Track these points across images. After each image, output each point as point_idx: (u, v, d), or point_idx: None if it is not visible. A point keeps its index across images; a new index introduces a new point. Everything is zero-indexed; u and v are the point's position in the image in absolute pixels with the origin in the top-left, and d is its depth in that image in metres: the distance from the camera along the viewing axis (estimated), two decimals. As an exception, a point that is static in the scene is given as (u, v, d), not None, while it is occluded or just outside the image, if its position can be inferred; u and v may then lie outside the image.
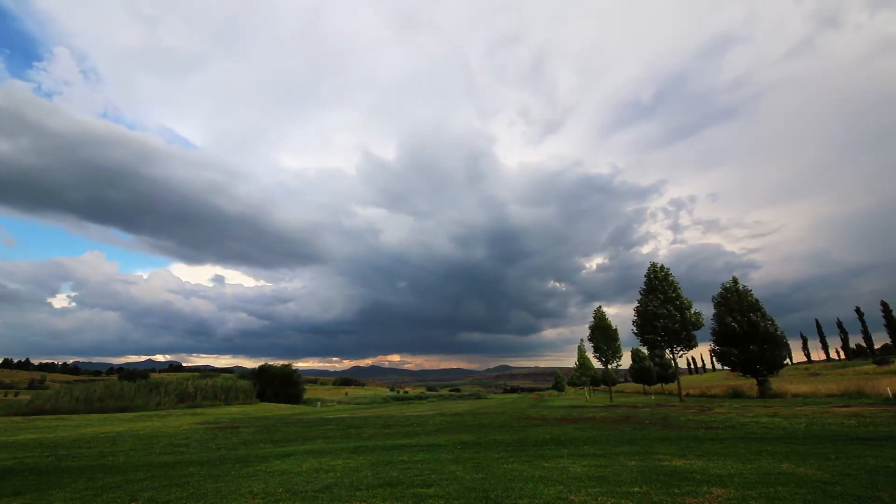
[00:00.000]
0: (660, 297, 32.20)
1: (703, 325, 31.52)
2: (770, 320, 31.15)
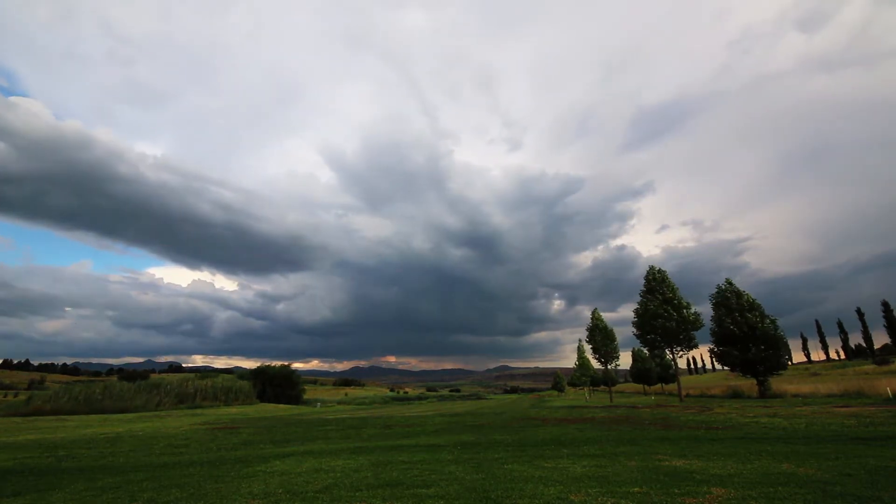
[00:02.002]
0: (658, 297, 32.29)
1: (702, 325, 31.51)
2: (770, 320, 31.07)
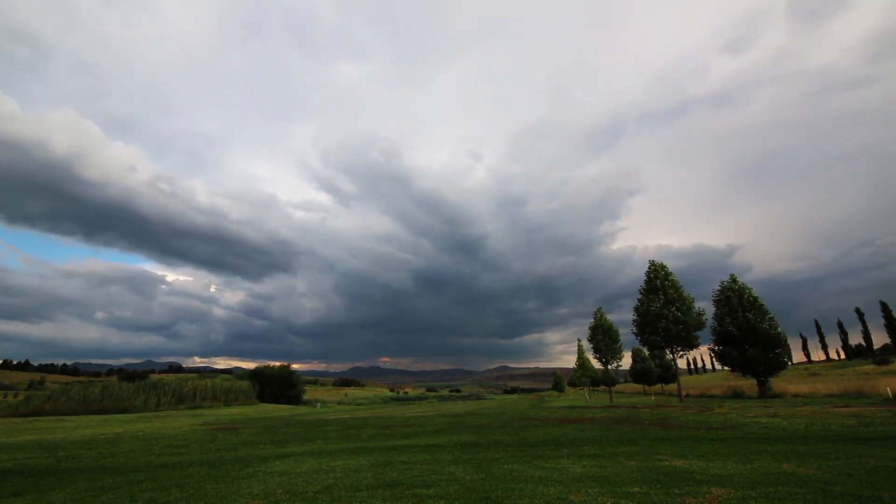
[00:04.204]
0: (661, 297, 31.89)
1: (705, 325, 31.18)
2: (770, 320, 30.80)
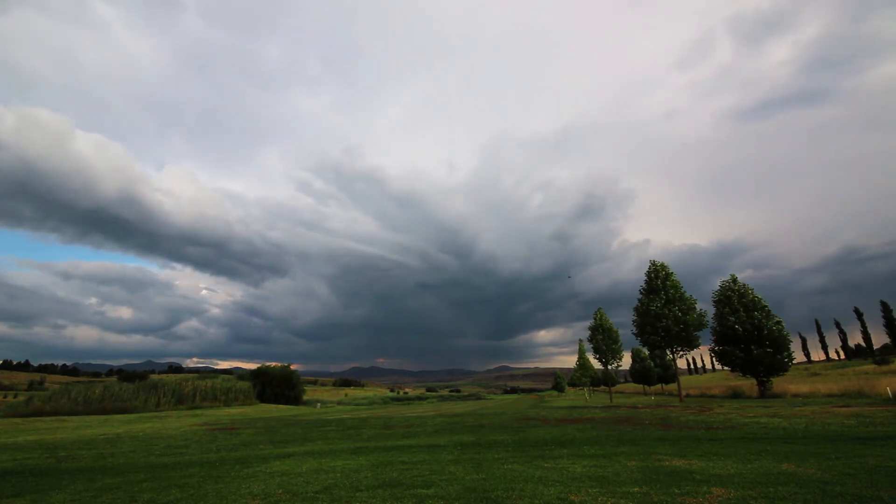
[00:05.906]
0: (662, 297, 31.81)
1: (707, 325, 31.08)
2: (775, 320, 30.54)
